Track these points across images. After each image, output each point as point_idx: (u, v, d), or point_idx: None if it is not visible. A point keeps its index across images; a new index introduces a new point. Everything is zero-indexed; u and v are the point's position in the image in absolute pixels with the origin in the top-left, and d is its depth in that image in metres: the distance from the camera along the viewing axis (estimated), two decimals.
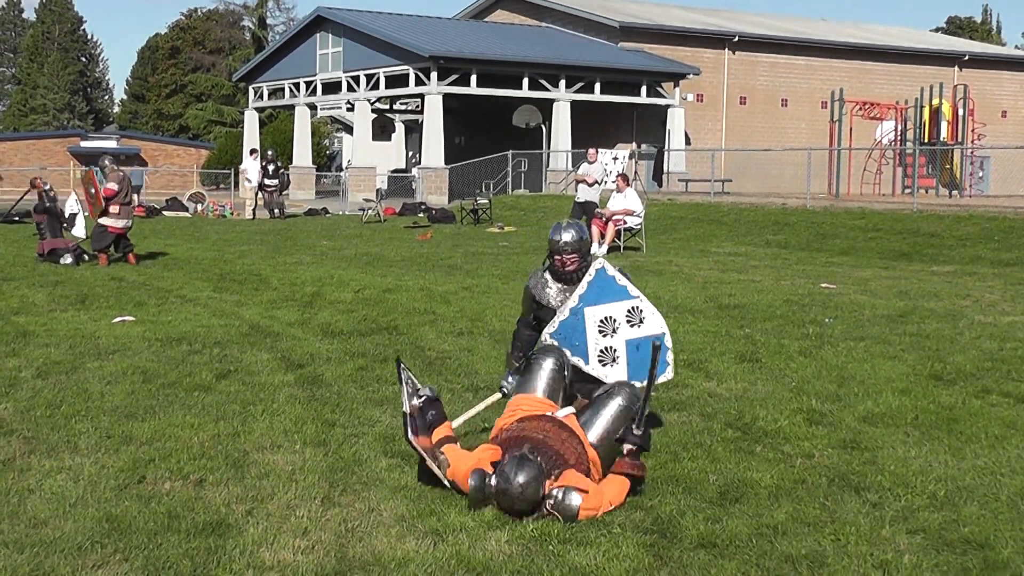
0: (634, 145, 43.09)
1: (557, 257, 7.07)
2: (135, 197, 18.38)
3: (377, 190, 35.43)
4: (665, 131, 44.23)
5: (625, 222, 21.20)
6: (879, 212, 25.30)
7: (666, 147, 42.36)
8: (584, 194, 22.47)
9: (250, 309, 12.80)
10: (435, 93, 40.52)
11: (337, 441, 6.94)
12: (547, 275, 7.25)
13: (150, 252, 19.81)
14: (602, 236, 20.91)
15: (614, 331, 6.92)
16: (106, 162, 18.49)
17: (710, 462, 6.60)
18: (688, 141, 45.29)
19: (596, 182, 22.46)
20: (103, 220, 17.91)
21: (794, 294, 14.39)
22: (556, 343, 6.89)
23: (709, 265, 18.65)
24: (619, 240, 21.14)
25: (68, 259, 17.64)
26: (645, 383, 6.26)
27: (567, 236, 7.05)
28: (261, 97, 52.35)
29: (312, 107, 51.49)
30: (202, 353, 9.88)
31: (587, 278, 6.97)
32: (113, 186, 17.85)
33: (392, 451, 6.73)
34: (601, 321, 6.91)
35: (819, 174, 32.07)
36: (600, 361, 6.91)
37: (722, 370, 9.27)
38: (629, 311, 6.94)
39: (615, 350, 6.92)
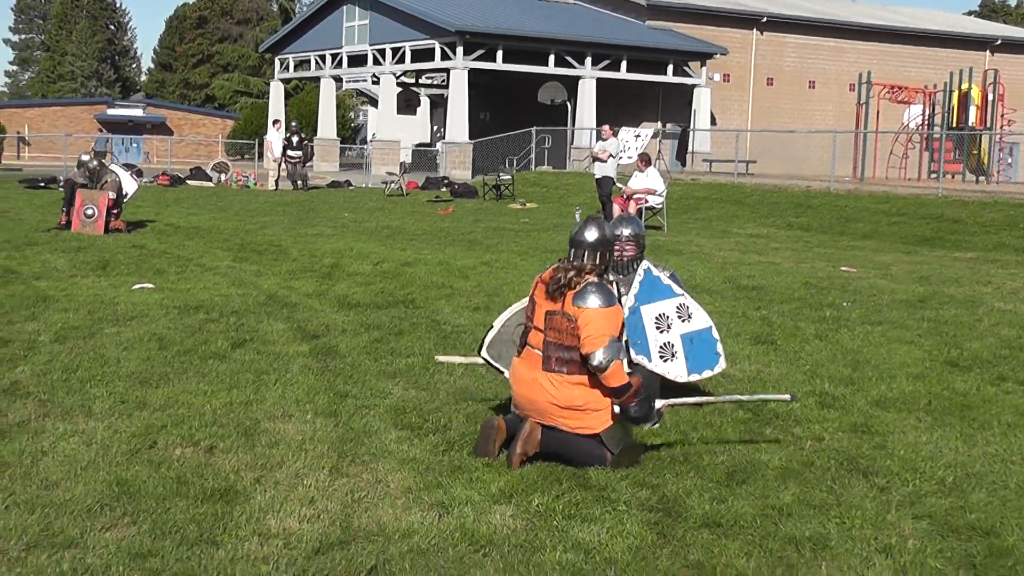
0: (659, 124, 42.95)
1: (616, 245, 7.18)
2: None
3: (400, 163, 35.45)
4: (691, 111, 44.04)
5: (646, 201, 21.16)
6: (903, 197, 25.17)
7: (691, 127, 42.16)
8: (600, 170, 22.43)
9: (269, 279, 12.85)
10: (461, 68, 40.43)
11: (348, 412, 6.97)
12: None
13: (143, 220, 19.87)
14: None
15: (669, 327, 7.13)
16: (94, 163, 18.35)
17: (719, 442, 6.61)
18: (714, 121, 45.09)
19: (611, 155, 22.37)
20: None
21: (813, 277, 14.35)
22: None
23: (730, 246, 18.61)
24: (640, 219, 21.07)
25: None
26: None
27: (627, 231, 7.27)
28: (287, 68, 52.34)
29: (337, 80, 51.50)
30: (219, 322, 9.93)
31: (637, 278, 7.20)
32: (112, 195, 17.86)
33: (402, 423, 6.76)
34: (656, 318, 7.11)
35: (844, 157, 31.93)
36: (661, 357, 7.04)
37: (736, 351, 9.26)
38: (678, 307, 7.19)
39: (672, 345, 7.09)
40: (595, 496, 5.60)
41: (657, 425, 6.90)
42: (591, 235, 6.26)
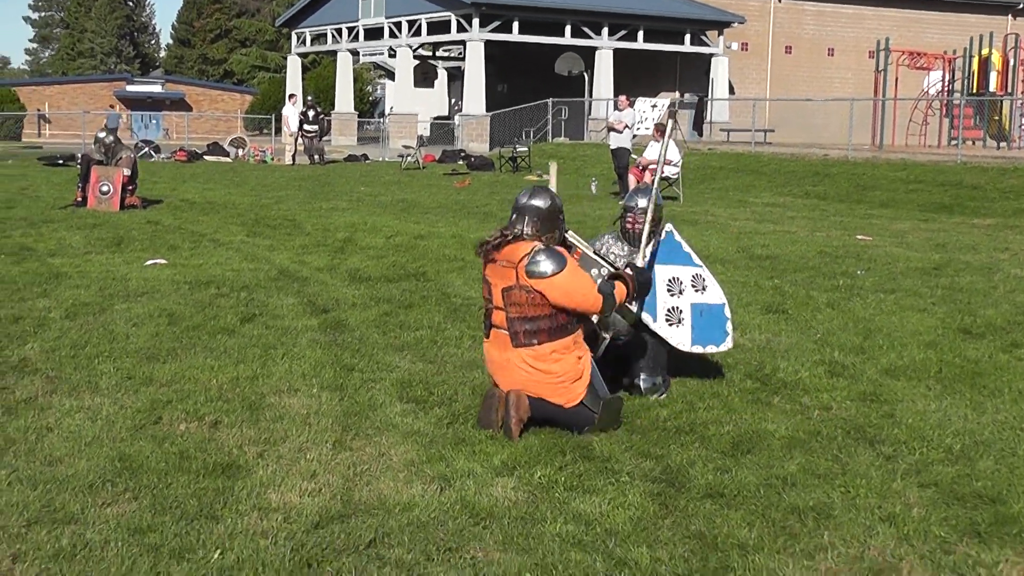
0: (676, 94, 42.75)
1: (630, 216, 7.14)
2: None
3: (418, 137, 35.39)
4: (709, 80, 43.80)
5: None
6: (921, 164, 24.98)
7: (709, 96, 41.92)
8: (616, 141, 22.33)
9: (281, 254, 12.85)
10: (477, 40, 40.30)
11: (354, 386, 6.97)
12: (610, 238, 7.39)
13: (175, 198, 19.90)
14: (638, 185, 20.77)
15: (680, 292, 7.05)
16: (110, 138, 18.39)
17: (725, 412, 6.58)
18: (732, 91, 44.86)
19: (627, 126, 22.27)
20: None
21: (828, 246, 14.27)
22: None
23: (745, 215, 18.52)
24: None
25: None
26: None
27: (643, 202, 7.20)
28: (304, 43, 52.27)
29: (354, 53, 51.40)
30: (229, 296, 9.94)
31: (658, 237, 7.07)
32: (126, 171, 17.88)
33: (407, 396, 6.76)
34: (669, 280, 7.04)
35: (863, 125, 31.70)
36: (667, 320, 6.98)
37: (747, 321, 9.21)
38: (694, 276, 7.11)
39: (680, 310, 7.01)
40: (598, 467, 5.58)
41: (664, 395, 6.88)
42: (529, 200, 6.19)
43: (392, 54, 48.10)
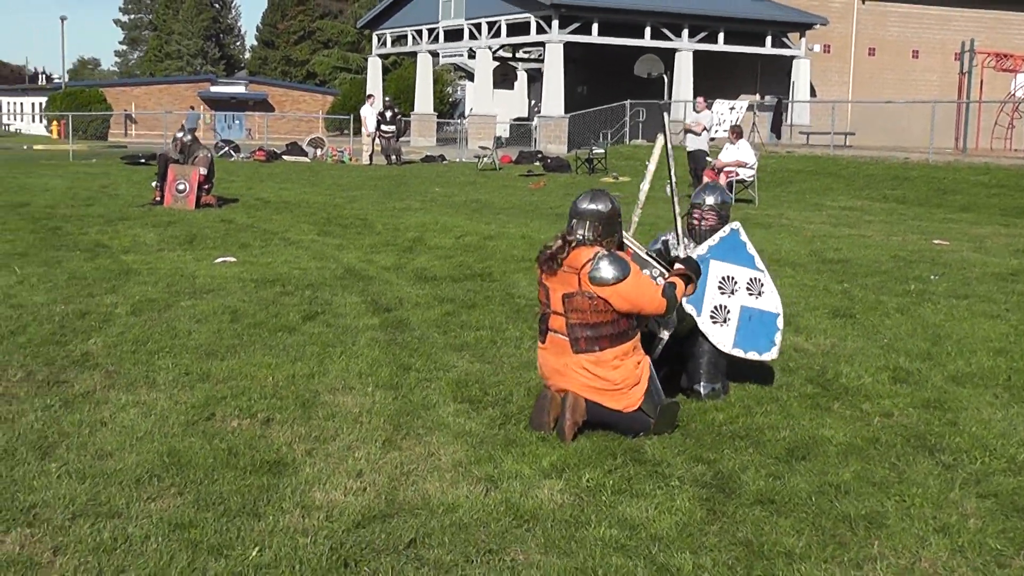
0: (757, 96, 42.31)
1: (696, 213, 7.06)
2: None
3: (495, 138, 35.42)
4: (790, 83, 43.29)
5: (737, 174, 20.85)
6: (1005, 168, 24.45)
7: (789, 99, 41.43)
8: (693, 143, 22.17)
9: (350, 253, 12.91)
10: (556, 41, 40.21)
11: (409, 385, 6.95)
12: (669, 237, 7.27)
13: (241, 197, 20.08)
14: None
15: (732, 292, 6.94)
16: (188, 138, 18.65)
17: (783, 417, 6.46)
18: (814, 93, 44.27)
19: (705, 129, 22.09)
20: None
21: (903, 250, 14.00)
22: None
23: (821, 219, 18.25)
24: (730, 192, 20.79)
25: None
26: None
27: (711, 199, 7.13)
28: (384, 44, 52.58)
29: (434, 54, 51.56)
30: (293, 295, 9.99)
31: (720, 233, 7.00)
32: (202, 170, 18.08)
33: (462, 396, 6.73)
34: (723, 278, 6.93)
35: (946, 129, 31.10)
36: (712, 318, 6.87)
37: (813, 325, 9.06)
38: (751, 280, 6.98)
39: (728, 310, 6.90)
40: (649, 471, 5.50)
41: (722, 399, 6.77)
42: (587, 204, 6.08)
43: (472, 55, 48.19)
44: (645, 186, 7.07)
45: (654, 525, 4.82)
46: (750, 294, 6.94)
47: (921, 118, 33.64)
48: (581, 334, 5.99)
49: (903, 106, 37.37)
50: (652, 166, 7.06)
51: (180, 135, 18.78)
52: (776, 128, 36.54)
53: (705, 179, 20.71)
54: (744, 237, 7.03)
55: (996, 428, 6.33)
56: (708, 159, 21.52)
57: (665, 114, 8.12)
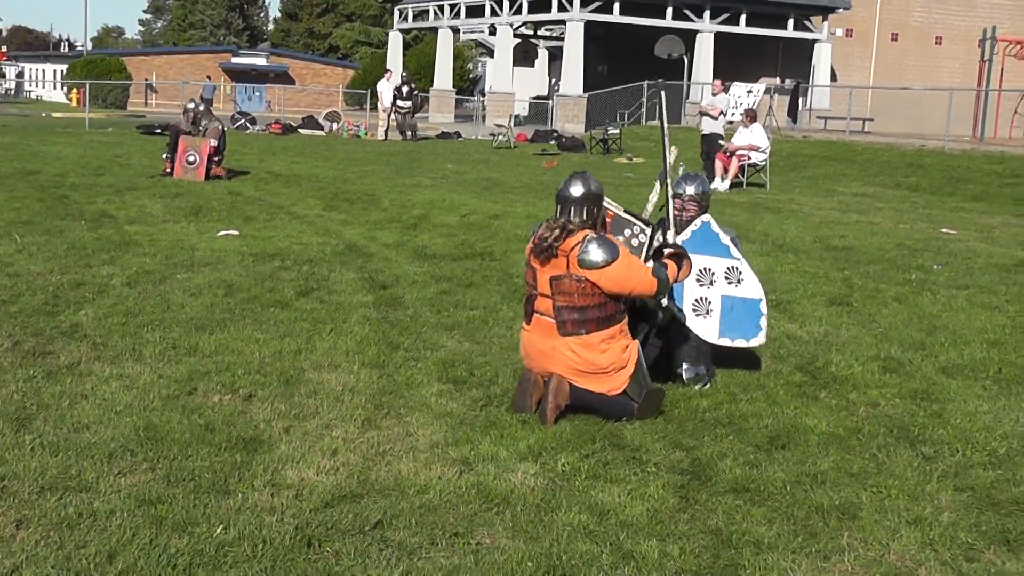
0: (777, 80, 42.03)
1: (677, 201, 7.03)
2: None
3: (513, 116, 35.30)
4: (811, 66, 42.99)
5: (749, 157, 20.72)
6: (1020, 157, 24.26)
7: (810, 83, 41.14)
8: (709, 126, 22.04)
9: (354, 229, 12.89)
10: (576, 20, 40.01)
11: (396, 364, 6.94)
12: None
13: (253, 169, 20.07)
14: (725, 171, 20.49)
15: (711, 283, 6.92)
16: (201, 108, 18.64)
17: (768, 405, 6.43)
18: (835, 78, 43.97)
19: (722, 112, 21.98)
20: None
21: (909, 238, 13.91)
22: None
23: (831, 205, 18.15)
24: (742, 176, 20.69)
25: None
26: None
27: (691, 189, 7.07)
28: (406, 18, 52.39)
29: (455, 30, 51.34)
30: (291, 270, 9.98)
31: (691, 227, 6.98)
32: (213, 142, 18.07)
33: (447, 376, 6.72)
34: (700, 271, 6.92)
35: (965, 116, 30.86)
36: (694, 311, 6.87)
37: (808, 312, 9.01)
38: (728, 269, 6.95)
39: (709, 302, 6.89)
40: (626, 456, 5.48)
41: (707, 386, 6.75)
42: (576, 190, 6.04)
43: (492, 32, 48.04)
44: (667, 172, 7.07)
45: (625, 511, 4.80)
46: (729, 283, 6.91)
47: (941, 105, 33.39)
48: (568, 317, 5.96)
49: (924, 93, 37.09)
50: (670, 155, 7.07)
51: (191, 106, 18.77)
52: (793, 112, 36.24)
53: (718, 164, 20.64)
54: (716, 228, 6.99)
55: (981, 421, 6.28)
56: (721, 143, 21.37)
57: (663, 93, 8.06)
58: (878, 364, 7.43)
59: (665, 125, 7.04)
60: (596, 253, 5.88)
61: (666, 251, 6.46)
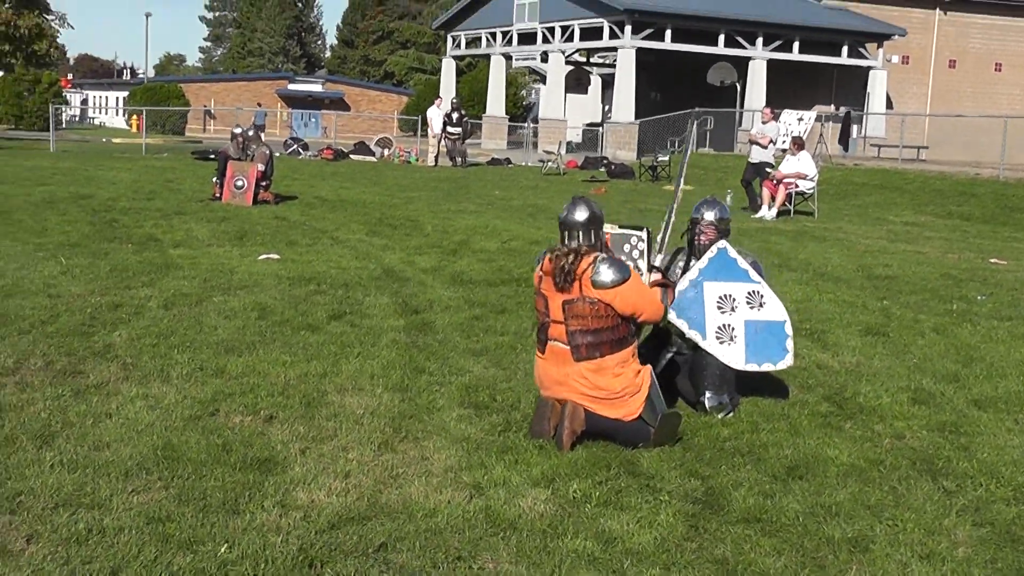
0: (831, 107, 41.80)
1: (696, 228, 7.12)
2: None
3: (563, 142, 35.36)
4: (865, 94, 42.70)
5: (797, 185, 20.59)
6: None
7: (862, 110, 40.86)
8: (758, 155, 21.92)
9: (394, 254, 12.96)
10: (628, 47, 40.07)
11: (419, 388, 6.97)
12: (679, 253, 7.29)
13: (300, 194, 20.23)
14: (772, 199, 20.39)
15: (733, 309, 6.87)
16: (250, 133, 18.91)
17: (789, 435, 6.37)
18: (890, 105, 43.63)
19: (772, 141, 21.87)
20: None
21: (956, 268, 13.75)
22: (673, 313, 6.79)
23: (879, 234, 17.99)
24: (789, 204, 20.56)
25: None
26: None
27: (710, 215, 7.09)
28: (459, 46, 52.76)
29: (507, 57, 51.62)
30: (326, 294, 10.05)
31: (708, 255, 6.97)
32: (260, 167, 18.27)
33: (469, 401, 6.73)
34: (720, 298, 6.87)
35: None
36: (718, 338, 6.81)
37: (842, 342, 8.93)
38: (749, 293, 6.91)
39: (733, 328, 6.84)
40: (640, 484, 5.46)
41: (731, 415, 6.70)
42: (581, 214, 6.08)
43: (544, 59, 48.21)
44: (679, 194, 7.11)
45: (632, 539, 4.78)
46: (751, 307, 6.86)
47: (998, 133, 33.02)
48: (582, 340, 5.97)
49: (982, 121, 36.68)
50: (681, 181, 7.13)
51: (239, 131, 19.00)
52: (844, 140, 36.00)
53: (766, 192, 20.54)
54: (733, 254, 6.96)
55: (1009, 455, 6.19)
56: (769, 171, 21.25)
57: (695, 122, 8.07)
58: (908, 395, 7.35)
59: (687, 155, 7.06)
60: (608, 273, 5.91)
61: (652, 278, 6.49)
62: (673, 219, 6.91)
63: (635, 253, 6.61)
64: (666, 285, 6.52)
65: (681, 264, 7.18)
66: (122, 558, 4.26)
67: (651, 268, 6.60)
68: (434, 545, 4.58)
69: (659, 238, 6.86)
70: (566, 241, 6.07)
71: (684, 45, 40.74)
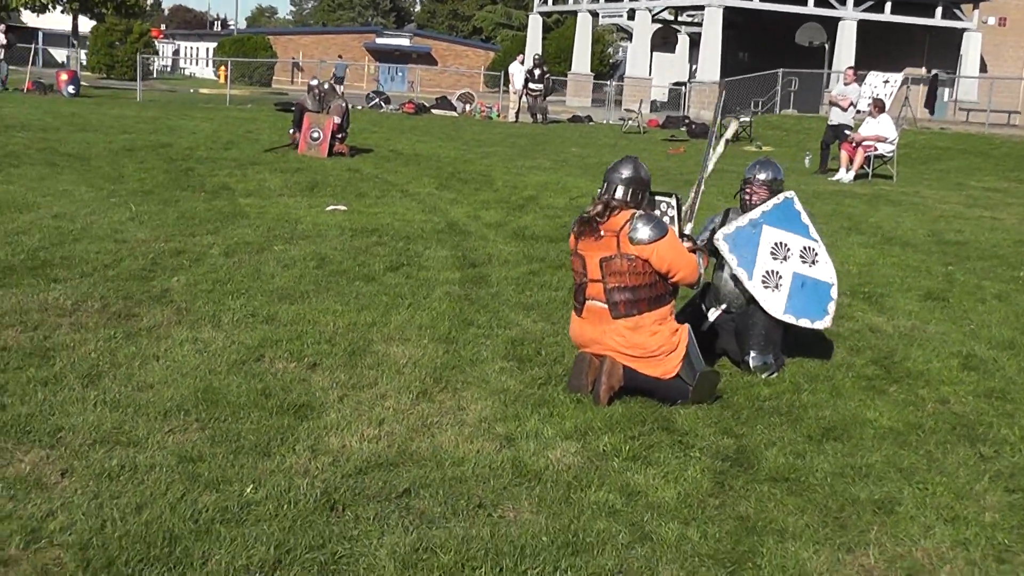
0: (923, 70, 40.94)
1: (747, 188, 7.04)
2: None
3: (641, 100, 35.08)
4: (958, 56, 41.73)
5: (876, 148, 20.25)
6: None
7: (954, 73, 39.96)
8: (837, 117, 21.57)
9: (460, 208, 13.03)
10: (715, 6, 39.57)
11: (465, 340, 7.03)
12: (731, 212, 7.25)
13: (390, 149, 20.38)
14: (851, 162, 20.08)
15: (785, 258, 6.86)
16: (326, 86, 19.04)
17: (830, 397, 6.34)
18: (985, 68, 42.61)
19: (852, 104, 21.50)
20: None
21: None
22: (727, 245, 6.81)
23: (957, 199, 17.64)
24: (868, 167, 20.23)
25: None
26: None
27: (762, 175, 7.06)
28: (546, 2, 52.46)
29: (594, 14, 51.23)
30: (386, 245, 10.15)
31: (775, 200, 6.93)
32: (337, 119, 18.38)
33: (513, 354, 6.78)
34: (775, 244, 6.86)
35: None
36: (763, 282, 6.80)
37: (899, 306, 8.83)
38: (804, 248, 6.91)
39: (780, 275, 6.82)
40: (672, 440, 5.48)
41: (775, 375, 6.69)
42: (624, 172, 6.13)
43: (631, 16, 47.78)
44: (711, 161, 7.06)
45: (656, 493, 4.81)
46: (803, 262, 6.84)
47: None
48: (620, 298, 5.99)
49: None
50: (721, 145, 7.09)
51: (315, 83, 19.16)
52: (930, 103, 35.25)
53: (843, 153, 20.23)
54: (799, 206, 6.95)
55: None
56: (848, 133, 20.91)
57: (723, 89, 8.01)
58: (959, 361, 7.26)
59: (715, 125, 7.03)
60: (645, 230, 5.92)
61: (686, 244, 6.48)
62: (703, 188, 6.89)
63: (665, 220, 6.60)
64: (697, 250, 6.51)
65: (686, 210, 7.13)
66: (150, 494, 4.38)
67: (681, 235, 6.58)
68: (457, 493, 4.65)
69: (686, 207, 6.83)
70: (603, 193, 6.10)
71: (773, 4, 40.12)
